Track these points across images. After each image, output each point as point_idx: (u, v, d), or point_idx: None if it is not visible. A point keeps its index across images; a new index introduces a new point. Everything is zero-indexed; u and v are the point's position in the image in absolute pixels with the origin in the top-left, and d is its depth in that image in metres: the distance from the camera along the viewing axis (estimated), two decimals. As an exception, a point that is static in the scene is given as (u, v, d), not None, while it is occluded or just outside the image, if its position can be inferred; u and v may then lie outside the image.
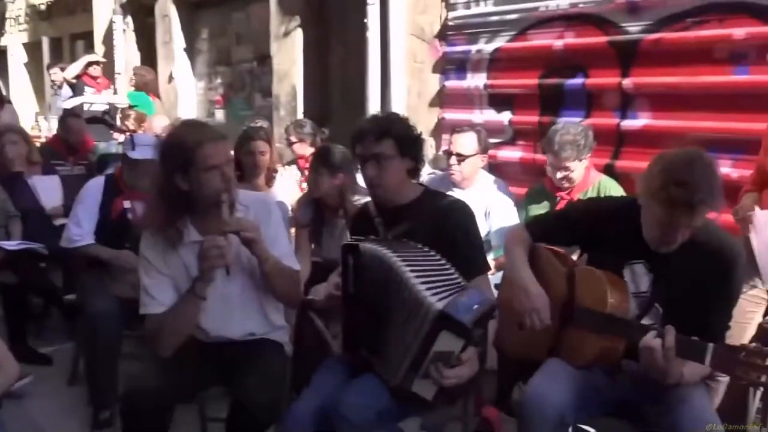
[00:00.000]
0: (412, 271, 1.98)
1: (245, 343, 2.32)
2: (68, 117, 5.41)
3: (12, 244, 3.66)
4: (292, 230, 3.48)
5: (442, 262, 2.07)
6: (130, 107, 6.58)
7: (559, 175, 3.09)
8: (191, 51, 7.79)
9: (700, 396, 1.99)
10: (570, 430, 1.98)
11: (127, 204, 3.37)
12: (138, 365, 2.44)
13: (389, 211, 2.28)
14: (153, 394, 2.08)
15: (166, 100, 7.78)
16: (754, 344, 1.70)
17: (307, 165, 4.51)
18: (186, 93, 7.83)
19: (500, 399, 3.09)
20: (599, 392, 2.08)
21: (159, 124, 5.40)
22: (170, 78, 7.81)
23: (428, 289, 1.93)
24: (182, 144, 2.13)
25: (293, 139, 4.51)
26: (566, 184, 3.11)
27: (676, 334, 1.80)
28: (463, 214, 2.24)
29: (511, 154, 4.14)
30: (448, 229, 2.17)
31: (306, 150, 4.46)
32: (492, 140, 4.15)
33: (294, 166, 4.59)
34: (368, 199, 3.14)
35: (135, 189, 3.35)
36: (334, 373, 2.21)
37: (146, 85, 7.09)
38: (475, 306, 1.89)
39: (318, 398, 2.09)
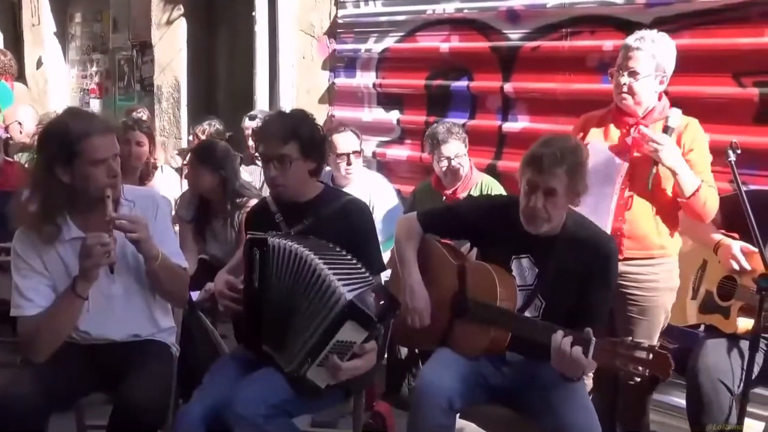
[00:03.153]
0: (324, 262, 2.03)
1: (129, 344, 2.23)
2: None
3: None
4: (176, 227, 3.38)
5: (349, 257, 2.12)
6: None
7: (443, 164, 3.18)
8: (63, 36, 7.30)
9: (576, 383, 2.11)
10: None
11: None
12: (7, 373, 2.27)
13: (289, 208, 2.29)
14: (24, 403, 1.95)
15: (34, 88, 7.25)
16: (629, 338, 1.85)
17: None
18: (57, 80, 7.32)
19: (391, 393, 3.17)
20: (486, 380, 2.19)
21: (25, 114, 4.95)
22: (39, 63, 7.28)
23: (339, 279, 1.98)
24: (67, 134, 2.01)
25: (201, 135, 4.42)
26: (452, 177, 3.20)
27: (566, 330, 1.93)
28: (362, 214, 2.31)
29: (400, 152, 4.23)
30: (348, 228, 2.23)
31: None
32: (381, 139, 4.25)
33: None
34: (255, 201, 3.12)
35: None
36: (225, 373, 2.18)
37: None
38: (382, 302, 1.98)
39: (209, 399, 2.06)
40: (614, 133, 2.54)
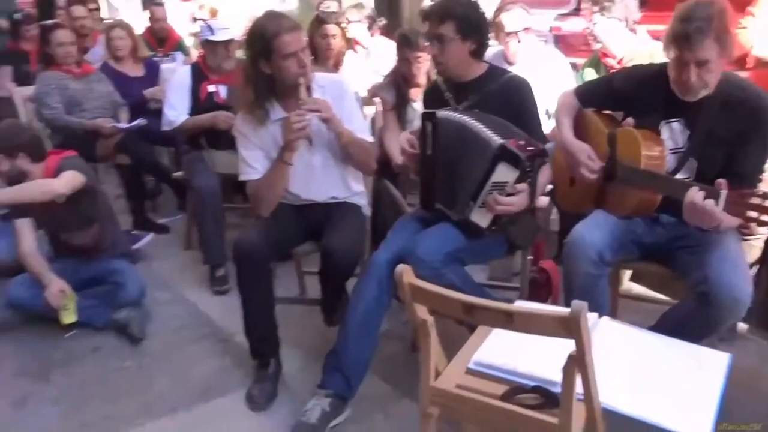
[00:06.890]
0: (482, 124, 2.29)
1: (329, 205, 2.70)
2: (152, 5, 5.76)
3: (125, 125, 4.16)
4: (366, 108, 3.75)
5: (508, 124, 2.35)
6: None
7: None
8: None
9: (732, 240, 2.15)
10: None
11: (212, 87, 3.72)
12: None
13: (456, 87, 2.53)
14: (254, 247, 2.45)
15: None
16: (762, 190, 1.84)
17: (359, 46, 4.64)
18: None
19: (560, 256, 3.39)
20: (640, 238, 2.32)
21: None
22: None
23: (493, 132, 2.26)
24: (263, 34, 2.42)
25: (354, 19, 4.64)
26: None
27: (700, 185, 1.96)
28: (520, 91, 2.48)
29: (575, 25, 4.18)
30: (508, 103, 2.43)
31: (363, 32, 4.63)
32: (556, 11, 4.21)
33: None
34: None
35: (220, 72, 3.71)
36: (407, 228, 2.54)
37: None
38: (531, 147, 2.21)
39: (394, 247, 2.42)
40: None
